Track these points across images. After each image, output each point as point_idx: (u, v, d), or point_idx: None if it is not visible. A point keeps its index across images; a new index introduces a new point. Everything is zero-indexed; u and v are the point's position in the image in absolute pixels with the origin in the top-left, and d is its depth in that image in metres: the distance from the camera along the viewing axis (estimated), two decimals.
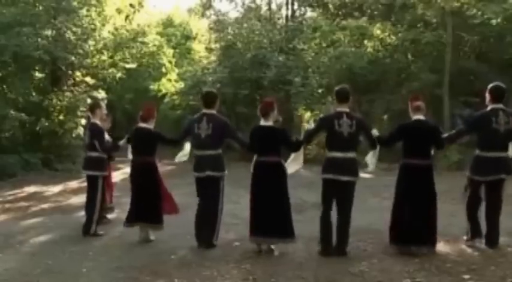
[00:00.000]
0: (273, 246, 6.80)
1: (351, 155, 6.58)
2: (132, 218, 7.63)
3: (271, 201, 6.67)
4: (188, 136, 7.42)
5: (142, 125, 7.65)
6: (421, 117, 6.66)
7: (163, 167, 7.83)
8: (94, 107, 8.50)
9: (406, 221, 6.48)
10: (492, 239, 6.64)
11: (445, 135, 7.05)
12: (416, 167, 6.55)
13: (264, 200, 6.69)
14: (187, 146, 7.71)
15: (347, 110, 6.67)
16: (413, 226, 6.44)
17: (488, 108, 6.65)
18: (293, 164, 7.09)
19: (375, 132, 6.91)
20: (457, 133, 7.12)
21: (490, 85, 6.78)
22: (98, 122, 8.18)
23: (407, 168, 6.61)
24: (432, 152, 6.75)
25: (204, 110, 7.21)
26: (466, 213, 6.80)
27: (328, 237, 6.58)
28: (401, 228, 6.55)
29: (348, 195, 6.61)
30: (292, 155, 7.09)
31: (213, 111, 7.20)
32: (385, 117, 20.51)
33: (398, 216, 6.61)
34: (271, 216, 6.65)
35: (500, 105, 6.59)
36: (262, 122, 6.86)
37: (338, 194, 6.62)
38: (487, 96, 6.72)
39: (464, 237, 6.86)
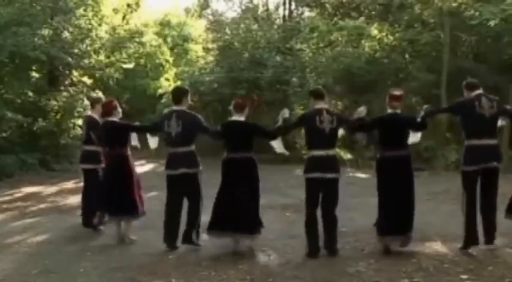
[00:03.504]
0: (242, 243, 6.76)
1: (332, 152, 6.65)
2: (109, 212, 7.59)
3: (241, 197, 6.63)
4: (157, 131, 7.37)
5: (108, 119, 7.57)
6: (396, 111, 6.74)
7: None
8: (96, 101, 8.57)
9: (389, 213, 6.55)
10: (489, 235, 6.49)
11: (428, 107, 7.14)
12: (393, 159, 6.60)
13: (234, 196, 6.64)
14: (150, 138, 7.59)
15: (326, 106, 6.77)
16: (395, 217, 6.50)
17: (471, 95, 6.64)
18: (278, 146, 7.09)
19: (362, 109, 6.96)
20: (438, 108, 7.17)
21: (463, 82, 6.87)
22: (95, 115, 8.19)
23: (385, 160, 6.68)
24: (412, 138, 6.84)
25: (174, 107, 7.20)
26: (463, 218, 6.57)
27: (316, 239, 6.54)
28: (386, 220, 6.59)
29: (333, 192, 6.62)
30: (273, 143, 7.07)
31: (183, 108, 7.11)
32: None
33: (382, 209, 6.67)
34: (238, 212, 6.60)
35: (481, 91, 6.59)
36: (235, 117, 6.88)
37: (323, 192, 6.61)
38: (465, 92, 6.74)
39: (459, 245, 6.64)
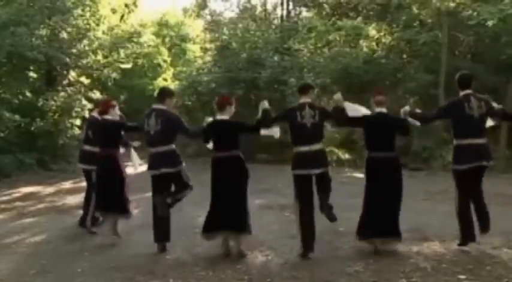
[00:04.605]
0: (232, 243, 6.69)
1: (316, 147, 6.58)
2: (101, 208, 7.63)
3: (230, 195, 6.58)
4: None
5: (106, 117, 7.59)
6: (383, 110, 6.69)
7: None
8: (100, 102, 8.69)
9: (373, 215, 6.52)
10: (483, 222, 6.51)
11: (420, 112, 7.07)
12: (381, 160, 6.56)
13: (224, 195, 6.60)
14: (133, 156, 7.95)
15: (309, 100, 6.69)
16: (379, 219, 6.48)
17: (460, 95, 6.63)
18: (270, 132, 7.05)
19: (338, 97, 6.86)
20: (431, 116, 7.18)
21: (457, 75, 6.81)
22: (97, 115, 8.18)
23: (373, 162, 6.63)
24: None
25: (154, 105, 7.09)
26: (456, 215, 6.63)
27: (311, 238, 6.50)
28: (368, 222, 6.56)
29: (324, 183, 6.69)
30: (264, 132, 7.04)
31: (163, 107, 7.01)
32: None
33: (366, 211, 6.62)
34: (228, 211, 6.55)
35: (470, 91, 6.57)
36: (218, 116, 6.82)
37: (316, 184, 6.65)
38: (458, 87, 6.72)
39: (457, 241, 6.67)
